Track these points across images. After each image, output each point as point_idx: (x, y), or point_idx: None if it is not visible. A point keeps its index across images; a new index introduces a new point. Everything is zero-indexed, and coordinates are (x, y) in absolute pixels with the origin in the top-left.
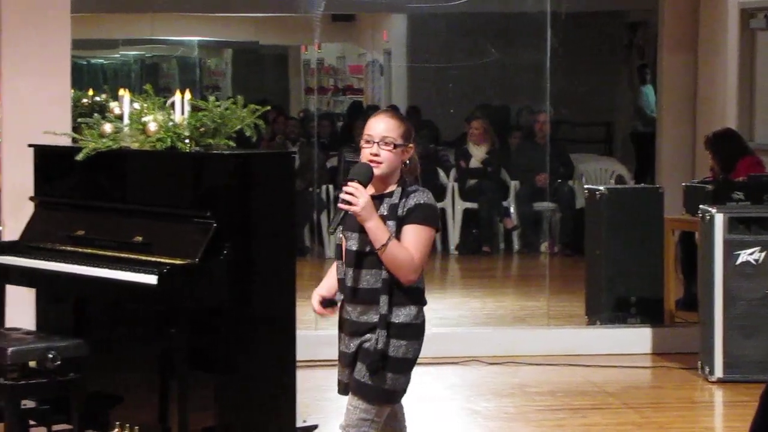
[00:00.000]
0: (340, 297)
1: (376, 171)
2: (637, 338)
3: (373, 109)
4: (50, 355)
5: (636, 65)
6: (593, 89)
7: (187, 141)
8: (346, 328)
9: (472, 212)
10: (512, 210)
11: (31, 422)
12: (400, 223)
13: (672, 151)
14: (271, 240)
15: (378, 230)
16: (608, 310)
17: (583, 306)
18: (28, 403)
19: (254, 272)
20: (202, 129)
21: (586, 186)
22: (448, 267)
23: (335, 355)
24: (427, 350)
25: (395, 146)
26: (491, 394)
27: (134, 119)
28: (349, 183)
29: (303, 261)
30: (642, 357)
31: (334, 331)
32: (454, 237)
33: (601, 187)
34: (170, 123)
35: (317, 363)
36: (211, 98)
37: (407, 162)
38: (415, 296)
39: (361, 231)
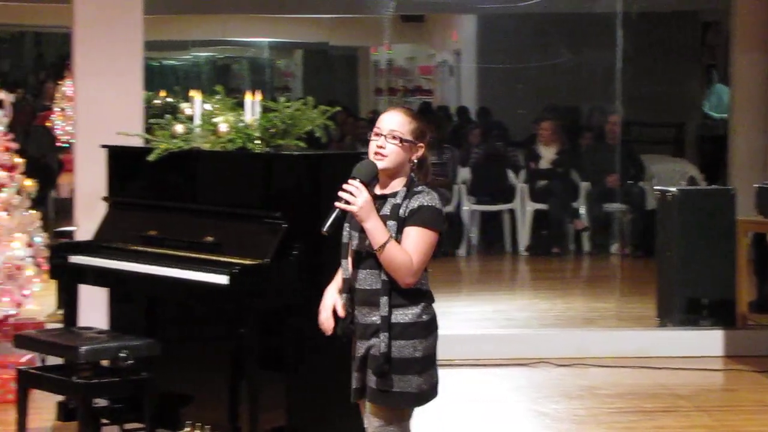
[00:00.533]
0: (344, 297)
1: (380, 164)
2: (709, 341)
3: (443, 110)
4: (122, 354)
5: (708, 65)
6: (665, 90)
7: (257, 142)
8: (356, 330)
9: (542, 213)
10: (582, 211)
11: (104, 421)
12: (402, 224)
13: (744, 152)
14: (340, 241)
15: (376, 231)
16: (680, 312)
17: (654, 308)
18: (101, 402)
19: (324, 273)
20: (272, 130)
21: (657, 187)
22: (517, 268)
23: None
24: (495, 351)
25: (402, 141)
26: (560, 396)
27: (205, 120)
28: (350, 181)
29: None
30: (714, 360)
31: None
32: (523, 238)
33: (673, 189)
34: (241, 124)
35: None
36: (282, 99)
37: (414, 161)
38: (417, 296)
39: (362, 230)
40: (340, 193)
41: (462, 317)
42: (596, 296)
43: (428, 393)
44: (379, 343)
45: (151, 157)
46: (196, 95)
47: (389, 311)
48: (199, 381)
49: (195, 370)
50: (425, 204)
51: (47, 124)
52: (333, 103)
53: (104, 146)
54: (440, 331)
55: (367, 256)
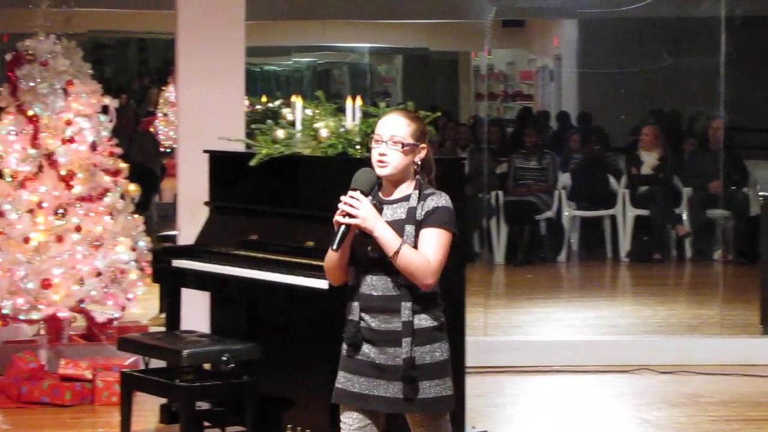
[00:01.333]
0: (353, 306)
1: (383, 172)
2: None
3: (543, 116)
4: (224, 358)
5: None
6: None
7: (358, 147)
8: (366, 336)
9: (644, 219)
10: (685, 217)
11: (206, 423)
12: (419, 227)
13: None
14: None
15: (387, 237)
16: None
17: (758, 315)
18: (203, 405)
19: None
20: (372, 135)
21: (761, 193)
22: (618, 274)
23: (505, 362)
24: (596, 358)
25: (404, 146)
26: (662, 404)
27: (306, 125)
28: (350, 193)
29: (472, 267)
30: None
31: (504, 337)
32: (624, 244)
33: None
34: (341, 129)
35: (486, 369)
36: (382, 104)
37: (418, 163)
38: (434, 299)
39: (366, 236)
40: (341, 206)
41: (563, 323)
42: (699, 303)
43: (452, 399)
44: (404, 350)
45: (253, 162)
46: (297, 101)
47: (412, 316)
48: (300, 385)
49: (295, 374)
50: (440, 205)
51: (151, 129)
52: (433, 109)
53: (206, 151)
54: (541, 337)
55: (377, 261)
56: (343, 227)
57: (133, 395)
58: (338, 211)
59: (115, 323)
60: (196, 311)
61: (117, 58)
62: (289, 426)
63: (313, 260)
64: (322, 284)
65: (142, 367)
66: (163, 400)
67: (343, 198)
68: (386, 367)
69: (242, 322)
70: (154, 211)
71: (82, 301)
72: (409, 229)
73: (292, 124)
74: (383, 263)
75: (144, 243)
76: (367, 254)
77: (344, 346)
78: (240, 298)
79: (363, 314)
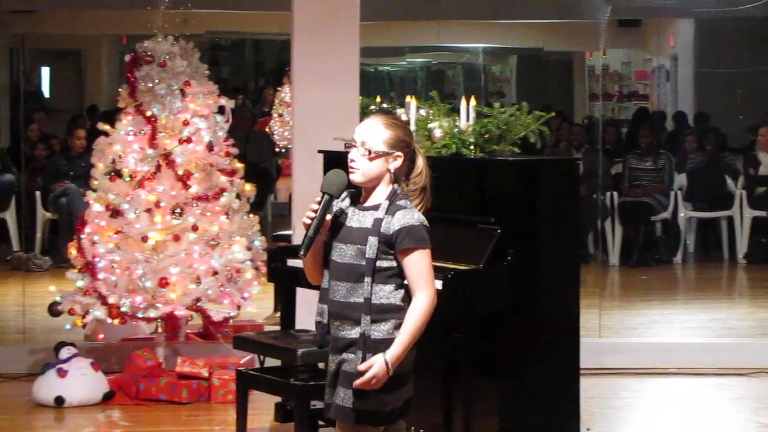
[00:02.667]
0: (322, 308)
1: (352, 178)
2: None
3: (659, 116)
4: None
5: None
6: None
7: (471, 147)
8: (331, 342)
9: (761, 221)
10: None
11: (320, 423)
12: (387, 242)
13: None
14: (555, 247)
15: (396, 357)
16: None
17: None
18: (318, 404)
19: (538, 279)
20: (486, 135)
21: None
22: (735, 276)
23: (620, 364)
24: (712, 361)
25: (371, 153)
26: None
27: (420, 125)
28: (317, 199)
29: (586, 268)
30: None
31: (619, 339)
32: (742, 246)
33: None
34: (455, 129)
35: (601, 371)
36: (496, 104)
37: (392, 170)
38: (391, 312)
39: (353, 243)
40: (308, 213)
41: (679, 326)
42: None
43: (398, 411)
44: (355, 359)
45: None
46: (411, 101)
47: (370, 328)
48: (414, 385)
49: None
50: (414, 224)
51: (266, 129)
52: (547, 109)
53: (321, 151)
54: (657, 339)
55: (356, 269)
56: (310, 231)
57: (249, 393)
58: (306, 215)
59: (231, 322)
60: (311, 311)
61: (233, 59)
62: None
63: None
64: (436, 284)
65: (258, 365)
66: (278, 399)
67: (311, 205)
68: (337, 374)
69: None
70: (270, 211)
71: (198, 299)
72: (372, 240)
73: (407, 124)
74: (351, 271)
75: (259, 242)
76: (330, 259)
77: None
78: None
79: (330, 321)
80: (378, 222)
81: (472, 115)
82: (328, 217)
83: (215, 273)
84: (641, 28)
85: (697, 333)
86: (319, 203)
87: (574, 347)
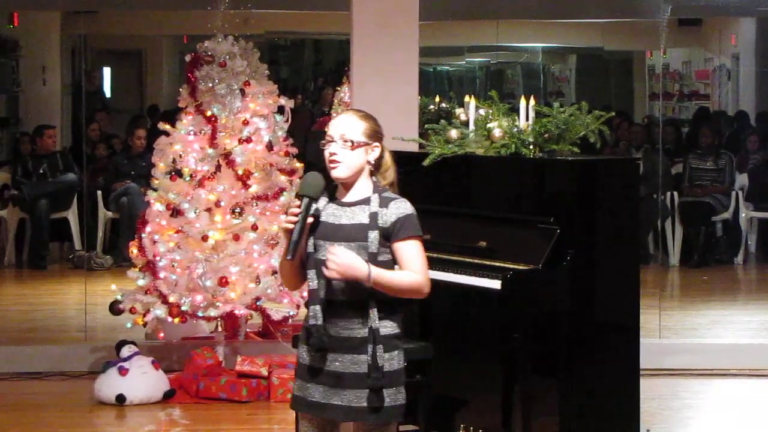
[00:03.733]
0: (312, 309)
1: (335, 173)
2: None
3: (720, 115)
4: None
5: None
6: None
7: (531, 147)
8: (317, 342)
9: None
10: None
11: None
12: (385, 234)
13: None
14: (614, 247)
15: (356, 270)
16: None
17: None
18: None
19: (597, 279)
20: (546, 135)
21: None
22: None
23: (680, 365)
24: None
25: (353, 143)
26: None
27: (479, 125)
28: (296, 203)
29: (646, 268)
30: None
31: (679, 340)
32: None
33: None
34: (515, 129)
35: (661, 372)
36: (555, 104)
37: (372, 162)
38: (397, 306)
39: (349, 240)
40: (289, 218)
41: (739, 326)
42: None
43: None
44: (370, 355)
45: (426, 162)
46: (470, 100)
47: (378, 323)
48: (473, 385)
49: (468, 374)
50: (408, 213)
51: (325, 129)
52: (607, 108)
53: None
54: (717, 340)
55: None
56: (294, 235)
57: None
58: (285, 220)
59: (291, 321)
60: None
61: (293, 59)
62: (462, 425)
63: (485, 260)
64: (495, 284)
65: None
66: None
67: (292, 209)
68: (344, 375)
69: (415, 322)
70: None
71: (258, 298)
72: (373, 235)
73: (466, 124)
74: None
75: None
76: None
77: (301, 354)
78: None
79: (325, 321)
80: (374, 216)
81: (532, 114)
82: (310, 219)
83: (275, 272)
84: (702, 27)
85: (758, 334)
86: (299, 207)
87: (634, 348)
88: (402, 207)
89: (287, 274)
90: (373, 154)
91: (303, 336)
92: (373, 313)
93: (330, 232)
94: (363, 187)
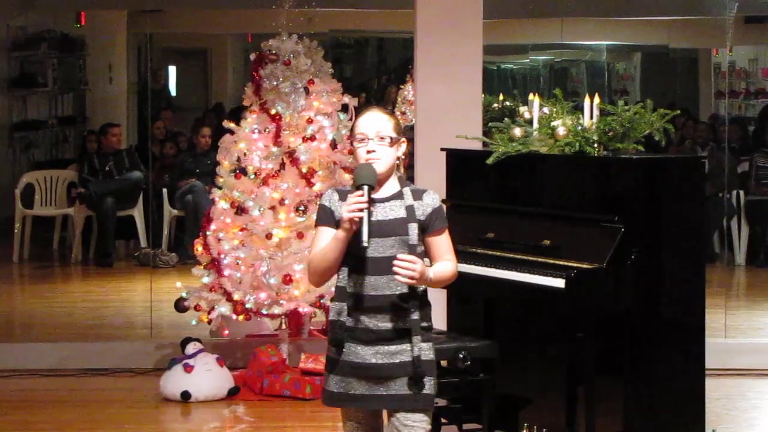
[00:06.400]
0: (342, 306)
1: (376, 169)
2: None
3: None
4: (461, 355)
5: None
6: None
7: (595, 145)
8: (360, 336)
9: None
10: None
11: (443, 420)
12: (423, 226)
13: None
14: (680, 246)
15: (424, 273)
16: None
17: None
18: (440, 402)
19: (662, 278)
20: (610, 133)
21: None
22: None
23: (746, 364)
24: None
25: (391, 140)
26: None
27: (543, 123)
28: (359, 190)
29: (712, 267)
30: None
31: (745, 339)
32: None
33: None
34: (579, 127)
35: (727, 372)
36: (620, 102)
37: (401, 157)
38: (426, 300)
39: (389, 235)
40: (356, 206)
41: None
42: None
43: None
44: (413, 347)
45: (490, 161)
46: (534, 99)
47: (418, 314)
48: (537, 383)
49: (532, 373)
50: (440, 204)
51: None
52: (672, 106)
53: (444, 149)
54: (760, 339)
55: (379, 261)
56: (364, 222)
57: None
58: (350, 210)
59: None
60: (433, 308)
61: (356, 57)
62: (525, 425)
63: (549, 259)
64: (559, 283)
65: None
66: None
67: (354, 197)
68: (385, 365)
69: (479, 320)
70: None
71: (321, 296)
72: (413, 227)
73: (529, 122)
74: (385, 263)
75: None
76: (366, 255)
77: (337, 349)
78: (477, 295)
79: (360, 315)
80: (411, 209)
81: (596, 112)
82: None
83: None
84: None
85: None
86: (360, 196)
87: (699, 347)
88: (435, 198)
89: (327, 268)
90: (402, 149)
91: (330, 332)
92: (414, 305)
93: (370, 228)
94: (392, 182)
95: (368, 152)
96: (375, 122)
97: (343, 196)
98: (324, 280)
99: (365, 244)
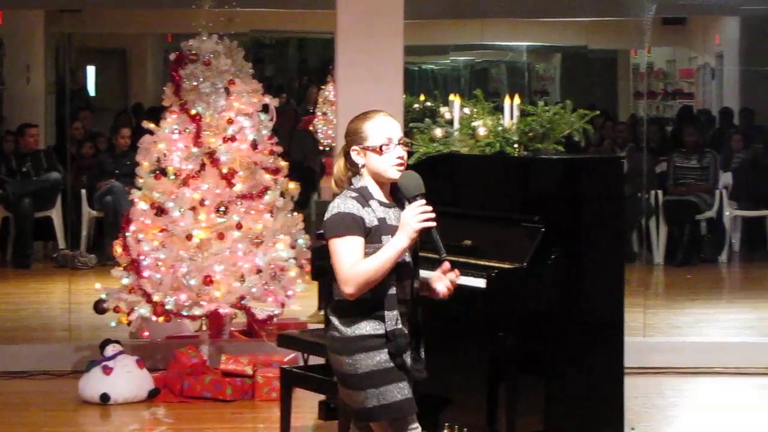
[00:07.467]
0: (396, 314)
1: (398, 176)
2: None
3: (704, 114)
4: None
5: None
6: None
7: (515, 146)
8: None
9: None
10: None
11: None
12: None
13: None
14: (599, 245)
15: None
16: None
17: None
18: None
19: (582, 278)
20: (530, 134)
21: None
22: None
23: (664, 363)
24: (758, 360)
25: (407, 144)
26: None
27: (464, 124)
28: (419, 202)
29: (631, 267)
30: None
31: (664, 338)
32: None
33: None
34: (499, 128)
35: (646, 370)
36: (540, 103)
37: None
38: None
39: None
40: (426, 215)
41: (724, 325)
42: None
43: None
44: (419, 349)
45: (411, 161)
46: (455, 99)
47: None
48: (458, 383)
49: (453, 373)
50: None
51: (310, 128)
52: (591, 107)
53: None
54: (702, 339)
55: (411, 267)
56: (435, 232)
57: (293, 391)
58: (424, 219)
59: (275, 320)
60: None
61: (277, 58)
62: (447, 424)
63: (471, 259)
64: (480, 283)
65: (302, 363)
66: (322, 397)
67: (421, 207)
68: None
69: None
70: (313, 209)
71: (242, 297)
72: None
73: (450, 122)
74: (409, 268)
75: (303, 240)
76: (406, 261)
77: (387, 356)
78: None
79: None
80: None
81: (516, 113)
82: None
83: (259, 271)
84: (686, 26)
85: (742, 332)
86: (423, 205)
87: (618, 346)
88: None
89: (378, 279)
90: None
91: (385, 342)
92: (418, 308)
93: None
94: (388, 188)
95: (399, 158)
96: (397, 127)
97: (362, 202)
98: (367, 288)
99: (445, 255)
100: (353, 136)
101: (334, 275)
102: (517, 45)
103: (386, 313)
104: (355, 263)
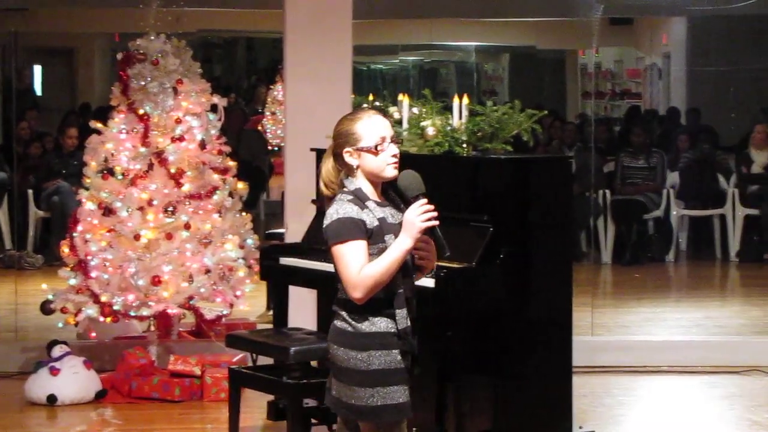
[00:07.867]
0: (405, 312)
1: (396, 172)
2: None
3: (651, 114)
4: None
5: None
6: None
7: (464, 145)
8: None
9: (754, 219)
10: None
11: (313, 421)
12: None
13: None
14: (547, 245)
15: None
16: None
17: None
18: (310, 402)
19: (531, 277)
20: (479, 133)
21: None
22: (728, 274)
23: (612, 362)
24: (705, 359)
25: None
26: None
27: (413, 124)
28: (421, 201)
29: (579, 266)
30: None
31: (611, 337)
32: (734, 244)
33: None
34: (448, 127)
35: (594, 369)
36: (489, 103)
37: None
38: None
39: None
40: (429, 215)
41: (671, 324)
42: None
43: None
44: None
45: None
46: (404, 99)
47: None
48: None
49: None
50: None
51: (259, 127)
52: (540, 107)
53: (314, 149)
54: (649, 337)
55: (409, 263)
56: (438, 230)
57: (241, 391)
58: (427, 218)
59: (224, 320)
60: (303, 309)
61: (225, 57)
62: None
63: None
64: (428, 282)
65: (250, 364)
66: (271, 397)
67: (423, 207)
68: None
69: None
70: (262, 209)
71: (191, 298)
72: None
73: (399, 122)
74: (410, 266)
75: (252, 241)
76: (413, 259)
77: (400, 356)
78: None
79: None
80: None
81: (465, 113)
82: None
83: (208, 271)
84: (634, 27)
85: (689, 331)
86: (424, 204)
87: (566, 345)
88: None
89: (386, 282)
90: None
91: (398, 341)
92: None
93: (397, 232)
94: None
95: (394, 156)
96: (387, 125)
97: (359, 203)
98: (375, 291)
99: (448, 254)
100: (345, 138)
101: (342, 281)
102: (466, 45)
103: (397, 311)
104: (361, 267)
